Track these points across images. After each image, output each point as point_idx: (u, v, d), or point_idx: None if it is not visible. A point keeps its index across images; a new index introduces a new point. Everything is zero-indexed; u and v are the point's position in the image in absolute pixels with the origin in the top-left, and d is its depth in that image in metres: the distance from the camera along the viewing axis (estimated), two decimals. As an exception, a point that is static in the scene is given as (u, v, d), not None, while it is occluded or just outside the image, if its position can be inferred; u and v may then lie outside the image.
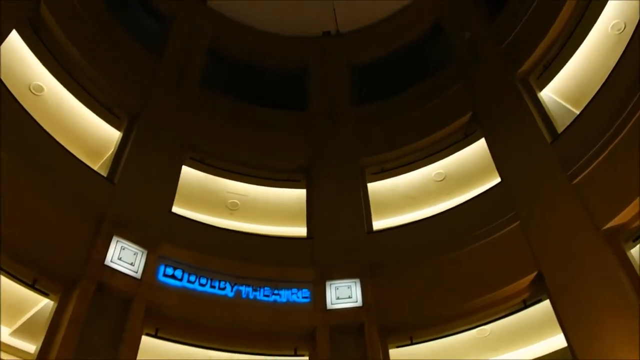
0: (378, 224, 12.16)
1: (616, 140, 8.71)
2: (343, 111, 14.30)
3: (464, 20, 14.41)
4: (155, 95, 12.55)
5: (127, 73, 12.46)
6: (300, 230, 12.10)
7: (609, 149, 8.80)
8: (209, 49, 15.35)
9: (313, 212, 12.06)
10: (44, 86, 10.85)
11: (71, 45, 11.22)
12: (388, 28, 16.31)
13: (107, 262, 9.09)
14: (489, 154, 11.52)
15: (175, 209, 11.06)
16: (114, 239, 9.38)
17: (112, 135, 11.70)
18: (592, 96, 9.82)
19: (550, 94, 11.58)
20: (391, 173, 12.92)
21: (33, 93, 10.79)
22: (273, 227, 12.71)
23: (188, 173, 12.08)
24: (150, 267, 9.55)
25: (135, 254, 9.51)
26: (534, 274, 9.10)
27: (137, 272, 9.35)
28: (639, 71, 8.67)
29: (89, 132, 11.56)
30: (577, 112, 10.37)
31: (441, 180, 12.61)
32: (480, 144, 11.97)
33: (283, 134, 13.56)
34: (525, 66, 11.90)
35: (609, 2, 10.47)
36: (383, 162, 13.02)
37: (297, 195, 12.76)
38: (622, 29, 10.41)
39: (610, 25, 10.57)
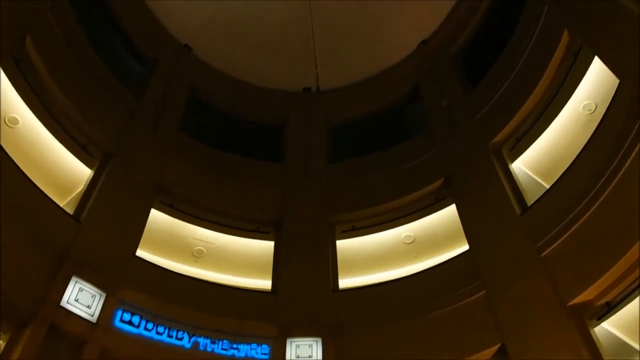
0: (344, 283, 12.01)
1: (584, 217, 8.82)
2: (318, 167, 14.37)
3: (443, 87, 14.75)
4: (131, 137, 12.43)
5: (106, 112, 12.37)
6: (265, 284, 11.90)
7: (577, 225, 8.89)
8: (190, 95, 15.44)
9: (279, 266, 11.89)
10: (19, 119, 10.70)
11: (51, 80, 11.14)
12: (368, 89, 16.65)
13: (63, 302, 8.71)
14: (459, 221, 11.58)
15: (140, 253, 10.79)
16: (73, 279, 9.02)
17: (83, 172, 11.50)
18: (562, 172, 10.02)
19: (521, 166, 11.82)
20: (361, 232, 12.89)
21: (7, 125, 10.61)
22: (238, 277, 12.48)
23: (157, 216, 11.87)
24: (107, 312, 9.19)
25: (93, 296, 9.16)
26: (498, 345, 9.02)
27: (93, 316, 8.98)
28: (608, 152, 8.87)
29: (60, 168, 11.35)
30: (547, 187, 10.56)
31: (410, 243, 12.63)
32: (451, 210, 12.06)
33: (257, 185, 13.51)
34: (499, 137, 12.15)
35: (581, 83, 10.83)
36: (354, 220, 13.02)
37: (265, 247, 12.60)
38: (593, 110, 10.76)
39: (582, 105, 10.91)
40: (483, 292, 9.76)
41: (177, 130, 13.94)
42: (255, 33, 16.87)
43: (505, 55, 13.06)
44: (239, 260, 12.60)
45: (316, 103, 16.38)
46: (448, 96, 14.27)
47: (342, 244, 12.72)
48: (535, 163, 11.72)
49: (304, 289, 11.19)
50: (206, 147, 14.12)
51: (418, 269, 11.62)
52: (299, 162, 14.49)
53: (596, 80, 10.56)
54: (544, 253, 9.24)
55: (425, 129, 14.49)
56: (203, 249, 12.43)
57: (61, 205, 10.25)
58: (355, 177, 13.73)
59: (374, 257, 12.77)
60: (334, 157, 15.00)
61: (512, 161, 11.91)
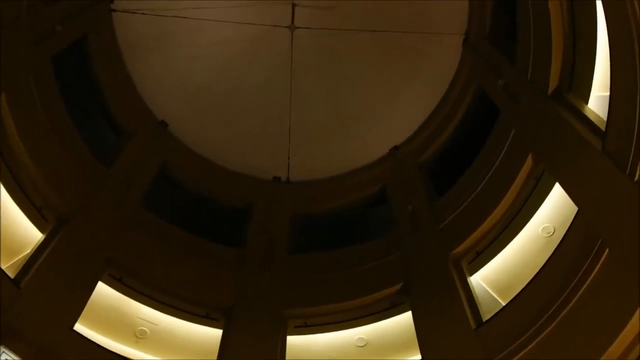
0: (291, 381, 11.49)
1: (539, 338, 8.71)
2: (278, 257, 14.11)
3: (410, 193, 14.99)
4: (92, 205, 12.15)
5: (70, 177, 12.10)
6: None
7: (532, 345, 8.76)
8: (160, 171, 15.36)
9: (225, 356, 11.34)
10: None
11: (19, 139, 10.91)
12: (337, 185, 16.84)
13: (-15, 373, 8.11)
14: (414, 329, 11.37)
15: (78, 327, 10.20)
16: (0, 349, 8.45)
17: (34, 236, 11.04)
18: (519, 290, 10.02)
19: (480, 280, 11.78)
20: (314, 329, 12.53)
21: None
22: (178, 364, 11.84)
23: (103, 290, 11.35)
24: (32, 388, 8.55)
25: (19, 370, 8.54)
26: None
27: (15, 392, 8.32)
28: (564, 276, 8.95)
29: (12, 228, 10.86)
30: (503, 304, 10.52)
31: (362, 346, 12.26)
32: (407, 317, 11.85)
33: (213, 269, 13.17)
34: (459, 249, 12.20)
35: (542, 206, 11.12)
36: (307, 316, 12.66)
37: (212, 334, 12.06)
38: (552, 233, 10.97)
39: (541, 227, 11.12)
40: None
41: (141, 205, 13.69)
42: (233, 117, 17.23)
43: (472, 170, 13.42)
44: (182, 345, 11.97)
45: (284, 193, 16.42)
46: (413, 203, 14.46)
47: (293, 340, 12.26)
48: (493, 279, 11.68)
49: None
50: (167, 225, 13.84)
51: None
52: (259, 251, 14.24)
53: (556, 205, 10.83)
54: (497, 370, 9.03)
55: (388, 231, 14.53)
56: (146, 330, 11.81)
57: (3, 267, 9.73)
58: (314, 273, 13.53)
59: (324, 357, 12.31)
60: (296, 249, 14.79)
61: (471, 274, 11.87)
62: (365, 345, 12.28)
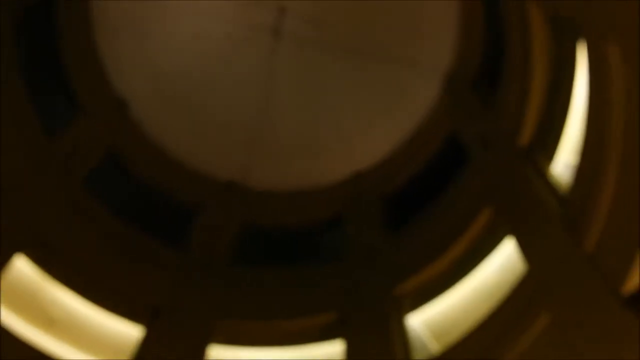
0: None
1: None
2: (219, 265, 13.62)
3: (366, 223, 14.72)
4: (29, 180, 11.49)
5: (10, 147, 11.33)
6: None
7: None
8: (109, 153, 14.72)
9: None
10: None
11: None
12: (294, 202, 16.44)
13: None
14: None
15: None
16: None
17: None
18: (455, 338, 9.92)
19: (418, 322, 11.58)
20: (241, 344, 12.04)
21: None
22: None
23: (22, 268, 10.71)
24: None
25: None
26: None
27: None
28: (503, 332, 8.94)
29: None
30: (438, 348, 10.53)
31: (288, 371, 11.87)
32: (338, 348, 11.49)
33: (148, 266, 12.55)
34: (403, 288, 11.96)
35: (492, 259, 11.09)
36: (237, 330, 12.16)
37: (131, 333, 11.41)
38: (497, 286, 10.83)
39: (488, 280, 11.00)
40: None
41: (83, 188, 13.05)
42: (199, 112, 16.73)
43: (432, 211, 13.22)
44: (97, 339, 11.26)
45: (237, 199, 15.97)
46: (367, 233, 14.22)
47: (217, 353, 11.76)
48: (432, 322, 11.50)
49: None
50: (108, 213, 13.16)
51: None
52: (201, 255, 13.71)
53: (506, 260, 10.75)
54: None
55: (337, 259, 14.20)
56: (61, 317, 11.02)
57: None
58: (253, 287, 13.01)
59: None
60: (238, 259, 14.27)
61: (411, 314, 11.64)
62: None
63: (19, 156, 11.58)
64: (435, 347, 11.01)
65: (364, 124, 16.93)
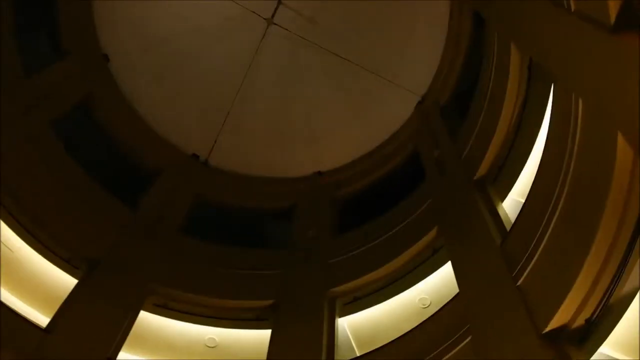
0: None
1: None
2: (166, 232, 13.70)
3: (315, 220, 14.97)
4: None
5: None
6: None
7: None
8: (82, 101, 14.74)
9: (71, 310, 10.50)
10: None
11: None
12: (252, 186, 16.82)
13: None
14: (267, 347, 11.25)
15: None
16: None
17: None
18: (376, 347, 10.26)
19: (346, 325, 11.86)
20: (171, 313, 12.04)
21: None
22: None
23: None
24: None
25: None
26: None
27: None
28: (424, 349, 9.29)
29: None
30: (358, 354, 10.71)
31: (212, 347, 11.97)
32: (266, 334, 11.68)
33: (99, 219, 12.60)
34: (339, 289, 12.28)
35: (428, 277, 11.44)
36: (170, 298, 12.17)
37: (68, 281, 11.28)
38: (427, 305, 11.30)
39: (419, 298, 11.44)
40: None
41: (50, 133, 12.91)
42: (179, 81, 17.01)
43: (380, 221, 13.67)
44: (33, 281, 11.11)
45: (197, 173, 16.04)
46: (314, 230, 14.47)
47: (147, 317, 11.69)
48: (358, 328, 11.83)
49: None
50: (72, 162, 13.07)
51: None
52: (150, 219, 13.78)
53: (442, 281, 11.16)
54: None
55: (282, 247, 14.48)
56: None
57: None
58: (195, 260, 13.19)
59: (172, 345, 11.91)
60: (188, 230, 14.39)
61: (340, 316, 11.94)
62: (215, 347, 11.96)
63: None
64: (357, 351, 11.34)
65: (335, 125, 17.31)
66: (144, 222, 13.53)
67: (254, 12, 16.07)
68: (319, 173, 17.01)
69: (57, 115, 13.35)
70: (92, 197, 12.86)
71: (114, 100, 15.80)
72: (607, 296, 6.96)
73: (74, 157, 13.19)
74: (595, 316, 7.03)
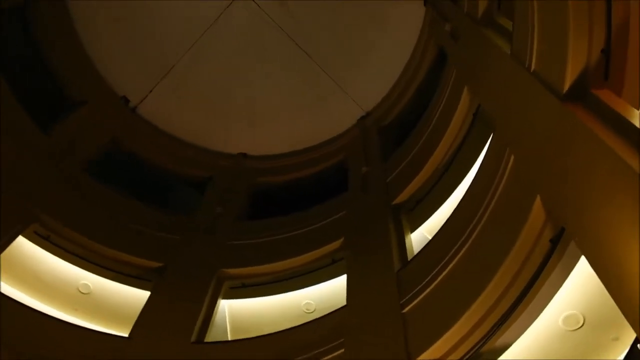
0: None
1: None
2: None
3: (230, 202, 14.69)
4: None
5: None
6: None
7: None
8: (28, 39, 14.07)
9: None
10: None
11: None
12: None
13: None
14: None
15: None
16: None
17: None
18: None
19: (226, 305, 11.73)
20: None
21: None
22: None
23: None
24: None
25: None
26: None
27: None
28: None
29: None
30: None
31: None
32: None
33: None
34: (226, 273, 12.07)
35: (315, 286, 11.54)
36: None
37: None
38: (312, 311, 11.34)
39: (305, 302, 11.44)
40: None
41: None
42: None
43: (290, 219, 13.54)
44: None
45: (136, 125, 15.33)
46: (229, 212, 14.24)
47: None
48: (237, 314, 11.70)
49: None
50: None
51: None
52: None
53: (331, 291, 11.24)
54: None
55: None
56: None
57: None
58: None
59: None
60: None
61: (224, 298, 11.71)
62: (87, 294, 11.35)
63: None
64: (230, 336, 11.29)
65: (276, 114, 17.28)
66: (51, 148, 12.70)
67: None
68: (245, 155, 16.80)
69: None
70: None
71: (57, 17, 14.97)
72: (479, 345, 7.21)
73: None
74: (463, 360, 7.28)
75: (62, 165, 12.59)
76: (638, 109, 5.43)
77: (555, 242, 6.39)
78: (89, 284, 11.28)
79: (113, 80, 16.03)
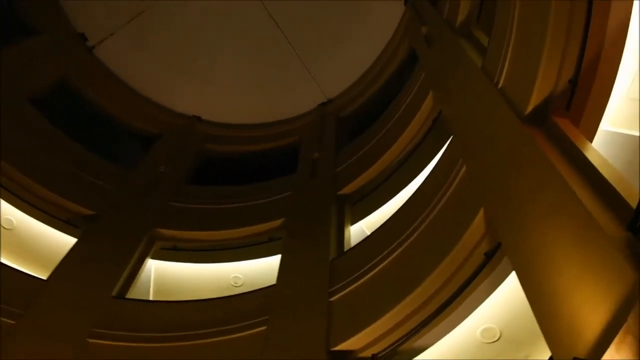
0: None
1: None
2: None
3: (176, 170, 14.32)
4: None
5: None
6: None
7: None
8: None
9: None
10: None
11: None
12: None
13: None
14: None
15: None
16: None
17: None
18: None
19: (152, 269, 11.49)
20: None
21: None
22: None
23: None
24: None
25: None
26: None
27: None
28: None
29: None
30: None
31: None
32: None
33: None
34: (157, 233, 11.86)
35: (246, 261, 11.48)
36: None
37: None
38: (239, 285, 11.27)
39: (233, 275, 11.37)
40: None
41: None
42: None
43: (235, 192, 13.41)
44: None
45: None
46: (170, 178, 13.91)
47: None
48: (163, 276, 11.48)
49: None
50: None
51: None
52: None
53: (261, 268, 11.20)
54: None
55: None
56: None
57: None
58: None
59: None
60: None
61: (153, 258, 11.49)
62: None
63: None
64: (152, 297, 11.09)
65: (236, 82, 17.05)
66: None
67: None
68: (199, 118, 16.47)
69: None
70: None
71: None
72: (398, 343, 7.35)
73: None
74: (380, 355, 7.39)
75: (5, 91, 11.90)
76: (592, 142, 5.62)
77: (489, 256, 6.56)
78: (13, 220, 10.77)
79: (74, 15, 15.26)
